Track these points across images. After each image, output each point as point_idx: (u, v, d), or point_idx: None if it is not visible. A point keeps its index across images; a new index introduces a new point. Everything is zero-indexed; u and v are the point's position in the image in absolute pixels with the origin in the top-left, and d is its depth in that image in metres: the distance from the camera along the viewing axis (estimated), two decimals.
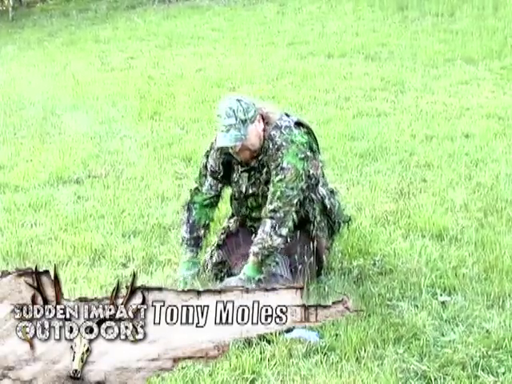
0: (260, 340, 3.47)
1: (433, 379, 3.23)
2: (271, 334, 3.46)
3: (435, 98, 8.11)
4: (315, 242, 4.07)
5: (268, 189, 3.96)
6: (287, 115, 4.08)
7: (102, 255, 4.59)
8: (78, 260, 4.51)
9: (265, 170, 3.98)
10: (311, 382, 3.23)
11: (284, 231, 3.87)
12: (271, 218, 3.87)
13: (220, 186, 4.17)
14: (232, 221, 4.30)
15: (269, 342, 3.46)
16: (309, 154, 3.98)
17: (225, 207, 4.45)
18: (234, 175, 4.11)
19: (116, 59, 11.56)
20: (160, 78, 9.83)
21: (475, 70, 9.21)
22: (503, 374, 3.24)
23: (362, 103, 8.01)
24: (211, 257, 4.24)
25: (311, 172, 4.04)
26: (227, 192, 4.28)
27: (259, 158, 3.98)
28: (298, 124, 4.04)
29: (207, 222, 4.20)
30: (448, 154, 6.17)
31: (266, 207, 3.92)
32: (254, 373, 3.30)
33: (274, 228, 3.86)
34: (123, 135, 7.22)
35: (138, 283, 4.10)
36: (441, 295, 3.94)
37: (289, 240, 3.94)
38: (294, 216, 3.94)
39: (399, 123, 7.17)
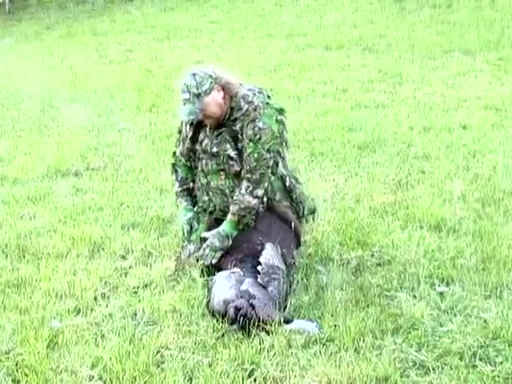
0: (259, 331, 3.49)
1: (431, 369, 3.25)
2: (270, 325, 3.49)
3: (433, 89, 8.12)
4: (292, 223, 4.21)
5: (230, 147, 4.10)
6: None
7: (101, 247, 4.60)
8: (77, 252, 4.52)
9: (238, 125, 4.08)
10: (310, 372, 3.24)
11: (260, 192, 4.07)
12: (248, 179, 4.05)
13: (189, 153, 4.35)
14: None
15: (268, 332, 3.48)
16: (283, 118, 4.12)
17: None
18: (201, 135, 4.25)
19: (114, 52, 11.55)
20: (158, 70, 9.83)
21: (473, 62, 9.22)
22: (501, 363, 3.25)
23: (359, 95, 8.02)
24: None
25: (281, 144, 4.16)
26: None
27: (233, 113, 4.09)
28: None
29: (194, 177, 4.41)
30: (446, 146, 6.18)
31: (244, 168, 4.07)
32: (253, 363, 3.31)
33: (250, 190, 4.04)
34: (121, 128, 7.22)
35: (137, 275, 4.18)
36: (439, 286, 3.95)
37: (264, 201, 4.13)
38: (271, 177, 4.12)
39: (397, 115, 7.18)
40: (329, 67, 9.34)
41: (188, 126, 4.29)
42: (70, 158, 6.33)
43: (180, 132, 4.40)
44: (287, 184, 4.24)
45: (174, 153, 4.46)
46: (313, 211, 4.46)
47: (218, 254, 4.11)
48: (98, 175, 5.90)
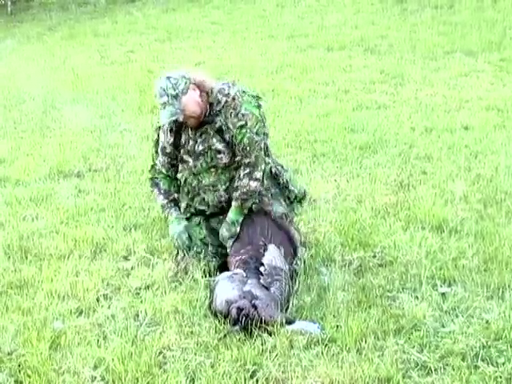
0: (261, 332, 3.49)
1: (433, 370, 3.25)
2: (272, 325, 3.49)
3: (435, 90, 8.12)
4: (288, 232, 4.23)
5: (217, 141, 4.17)
6: None
7: (103, 248, 4.60)
8: (80, 253, 4.53)
9: (220, 118, 4.15)
10: (312, 373, 3.24)
11: (258, 174, 4.16)
12: (244, 164, 4.15)
13: (171, 162, 4.37)
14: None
15: (270, 333, 3.48)
16: (261, 103, 4.21)
17: None
18: (183, 138, 4.29)
19: (115, 53, 11.56)
20: (160, 71, 9.79)
21: (474, 62, 9.22)
22: (503, 364, 3.25)
23: (361, 96, 8.02)
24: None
25: (265, 127, 4.23)
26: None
27: (213, 108, 4.16)
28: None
29: (176, 188, 4.43)
30: (447, 146, 6.18)
31: (238, 155, 4.15)
32: (256, 364, 3.31)
33: (249, 173, 4.14)
34: (123, 129, 7.23)
35: (139, 276, 4.18)
36: (441, 286, 3.95)
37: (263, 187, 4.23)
38: (266, 159, 4.20)
39: (399, 116, 7.18)
40: (330, 68, 9.34)
41: (168, 133, 4.32)
42: (72, 159, 6.34)
43: (157, 143, 4.43)
44: (273, 170, 4.34)
45: (153, 166, 4.48)
46: (303, 195, 4.49)
47: (230, 242, 4.18)
48: (100, 176, 5.91)
